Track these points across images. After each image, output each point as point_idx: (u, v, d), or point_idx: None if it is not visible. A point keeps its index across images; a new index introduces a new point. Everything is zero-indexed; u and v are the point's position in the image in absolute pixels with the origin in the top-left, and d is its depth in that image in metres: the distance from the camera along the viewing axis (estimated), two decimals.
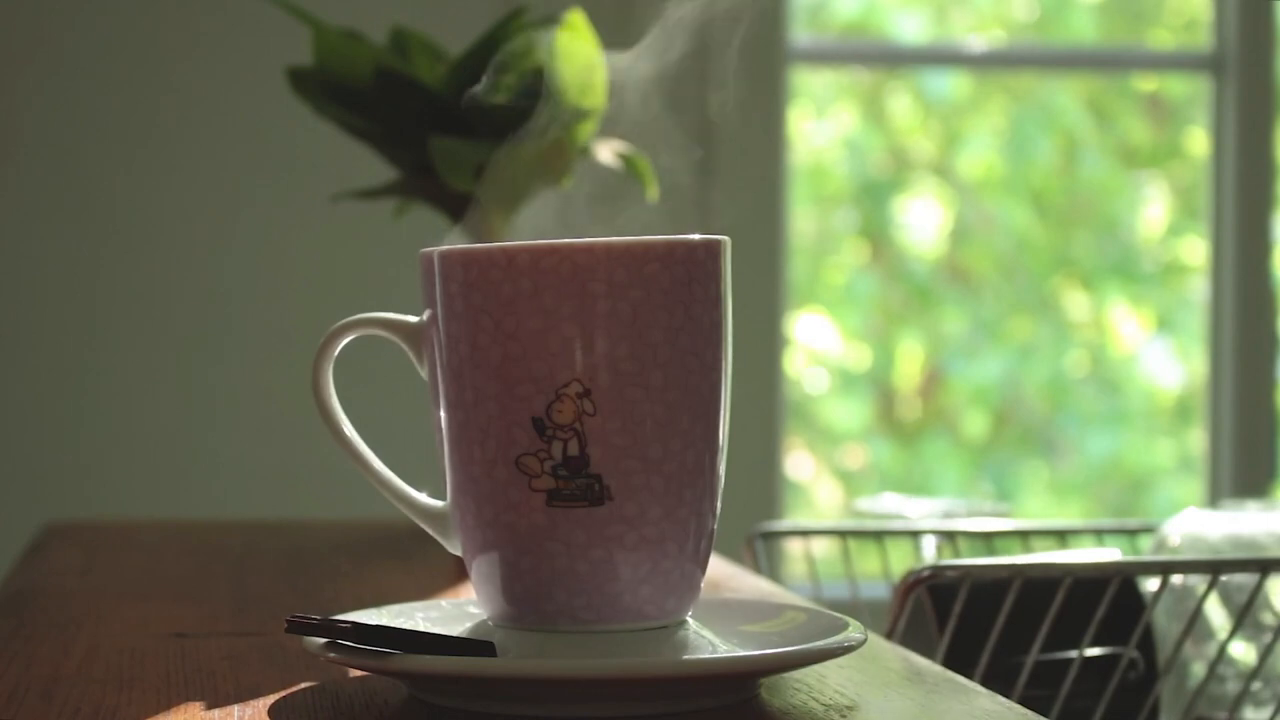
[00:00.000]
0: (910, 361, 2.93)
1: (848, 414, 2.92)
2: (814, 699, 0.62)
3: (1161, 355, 2.88)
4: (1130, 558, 1.03)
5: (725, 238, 0.65)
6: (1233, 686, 0.97)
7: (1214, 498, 2.48)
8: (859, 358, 2.90)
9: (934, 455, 2.92)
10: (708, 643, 0.64)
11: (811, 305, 2.79)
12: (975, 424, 2.92)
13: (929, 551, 1.13)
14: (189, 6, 2.17)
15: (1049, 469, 2.97)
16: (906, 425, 2.94)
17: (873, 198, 2.86)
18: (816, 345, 2.84)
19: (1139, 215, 2.90)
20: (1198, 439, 2.68)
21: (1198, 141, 2.74)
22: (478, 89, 1.02)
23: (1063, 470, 2.96)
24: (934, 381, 2.94)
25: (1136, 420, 2.91)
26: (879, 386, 2.93)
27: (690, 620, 0.65)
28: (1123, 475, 2.93)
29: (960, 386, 2.90)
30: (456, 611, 0.69)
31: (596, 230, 0.69)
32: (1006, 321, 2.87)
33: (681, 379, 0.62)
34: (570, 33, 1.04)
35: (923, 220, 2.85)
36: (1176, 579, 0.96)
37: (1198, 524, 1.02)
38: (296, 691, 0.64)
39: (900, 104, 2.86)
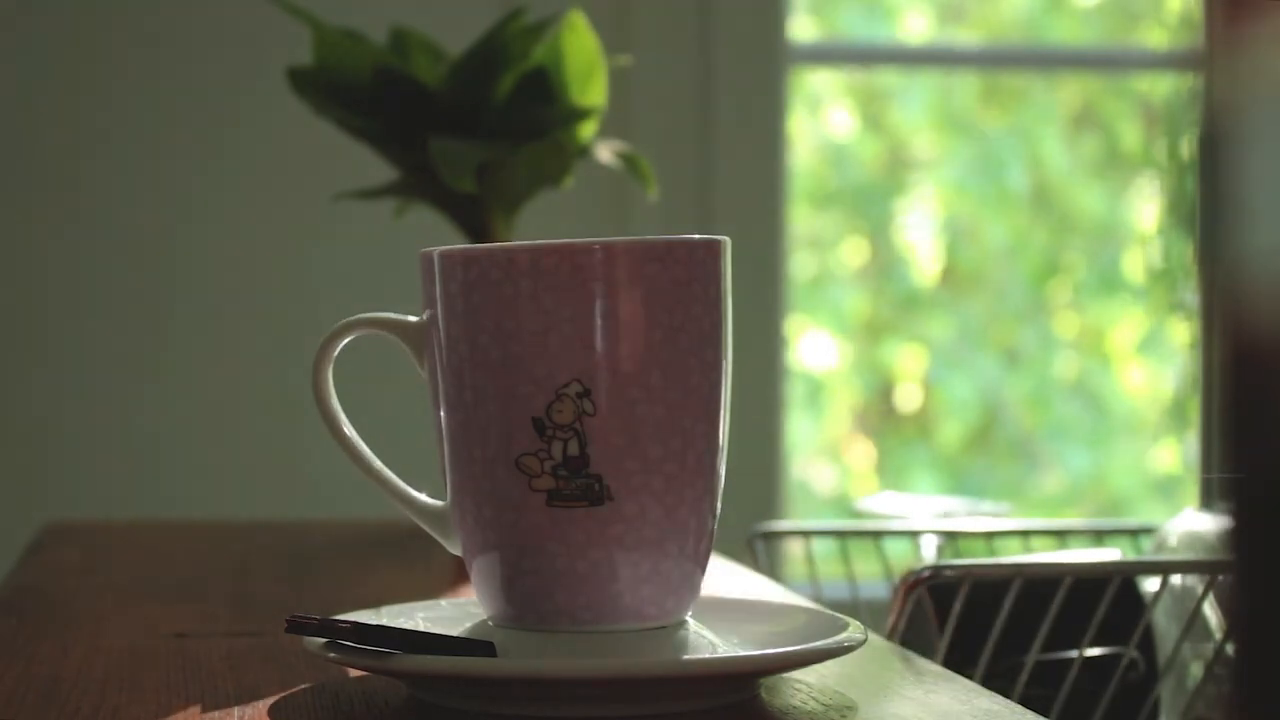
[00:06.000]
0: (899, 370, 2.92)
1: (830, 424, 2.92)
2: (814, 699, 0.62)
3: (1155, 359, 2.88)
4: (1130, 558, 1.03)
5: (725, 238, 0.65)
6: None
7: (1206, 504, 2.47)
8: (844, 366, 2.90)
9: (918, 466, 2.92)
10: (708, 643, 0.64)
11: (801, 312, 2.79)
12: (960, 435, 2.92)
13: (929, 551, 1.13)
14: (189, 6, 2.17)
15: (1034, 482, 2.96)
16: (892, 435, 2.94)
17: (866, 202, 2.86)
18: (804, 353, 2.84)
19: (1132, 218, 2.90)
20: (1192, 443, 2.67)
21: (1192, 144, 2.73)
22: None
23: (1048, 484, 2.96)
24: (921, 390, 2.94)
25: (1126, 429, 2.91)
26: (865, 396, 2.93)
27: (690, 620, 0.65)
28: (1108, 490, 2.93)
29: (946, 396, 2.90)
30: (456, 611, 0.69)
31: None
32: (997, 329, 2.87)
33: (681, 379, 0.62)
34: (570, 33, 1.04)
35: (915, 225, 2.85)
36: (1176, 579, 0.96)
37: (1197, 524, 1.02)
38: (296, 691, 0.64)
39: (897, 106, 2.86)
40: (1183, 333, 2.76)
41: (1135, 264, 2.88)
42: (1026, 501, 2.88)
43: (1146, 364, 2.87)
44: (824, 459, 2.94)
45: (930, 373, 2.91)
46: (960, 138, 2.87)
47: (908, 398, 2.94)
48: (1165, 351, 2.86)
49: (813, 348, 2.86)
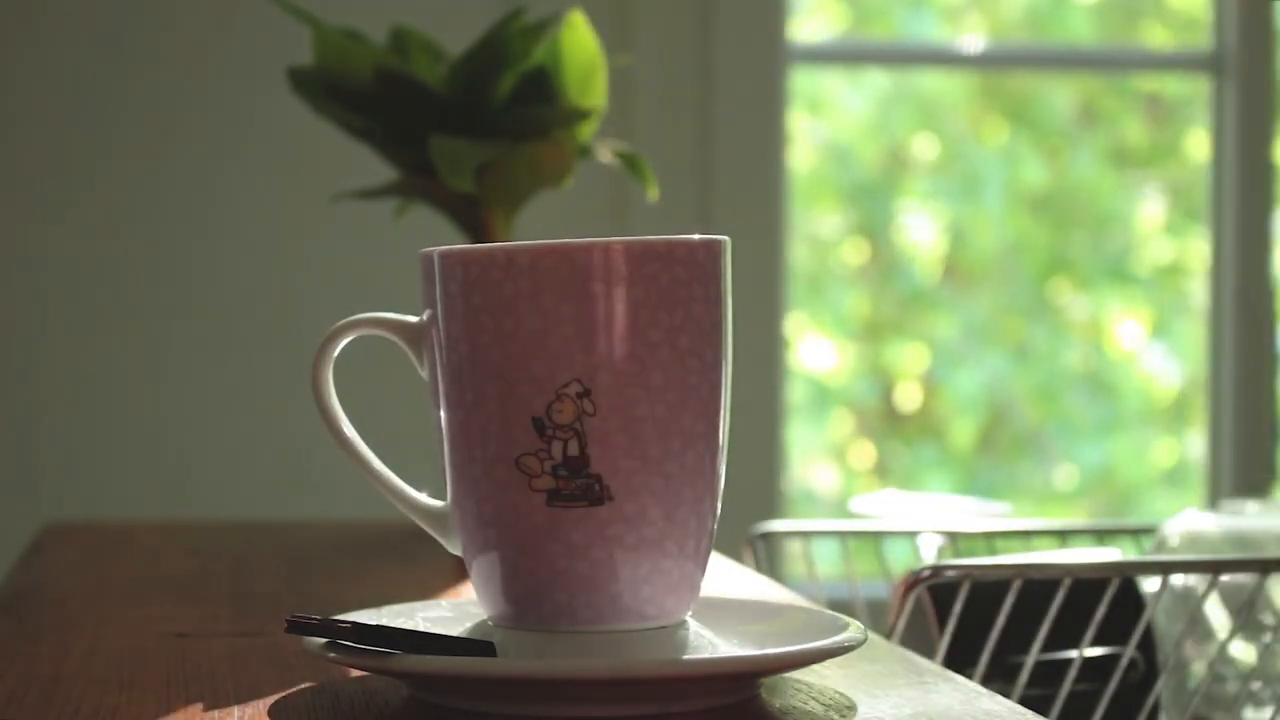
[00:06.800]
0: (903, 368, 2.92)
1: (835, 424, 2.92)
2: (814, 699, 0.62)
3: (1159, 357, 2.88)
4: (1130, 558, 1.03)
5: (725, 238, 0.65)
6: (1233, 686, 0.97)
7: (1213, 500, 2.48)
8: (848, 365, 2.90)
9: (925, 464, 2.92)
10: (708, 643, 0.64)
11: (803, 312, 2.79)
12: (967, 432, 2.92)
13: (929, 551, 1.13)
14: (189, 6, 2.17)
15: (1041, 478, 2.96)
16: (896, 434, 2.94)
17: (868, 200, 2.86)
18: (807, 353, 2.84)
19: (1136, 216, 2.90)
20: (1196, 441, 2.67)
21: (1196, 142, 2.74)
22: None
23: (1055, 479, 2.96)
24: (926, 388, 2.94)
25: (1133, 425, 2.91)
26: (869, 395, 2.93)
27: (690, 620, 0.65)
28: (1116, 483, 2.93)
29: (953, 394, 2.90)
30: (456, 611, 0.69)
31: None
32: (1001, 325, 2.87)
33: (681, 379, 0.62)
34: (570, 33, 1.04)
35: (919, 222, 2.85)
36: (1176, 579, 0.96)
37: (1198, 524, 1.02)
38: (296, 691, 0.64)
39: (898, 105, 2.86)
40: (1191, 328, 2.76)
41: (1141, 259, 2.88)
42: (1036, 497, 2.88)
43: (1154, 358, 2.87)
44: (827, 460, 2.94)
45: (935, 371, 2.91)
46: (961, 135, 2.87)
47: (912, 397, 2.94)
48: (1174, 345, 2.86)
49: (815, 349, 2.86)
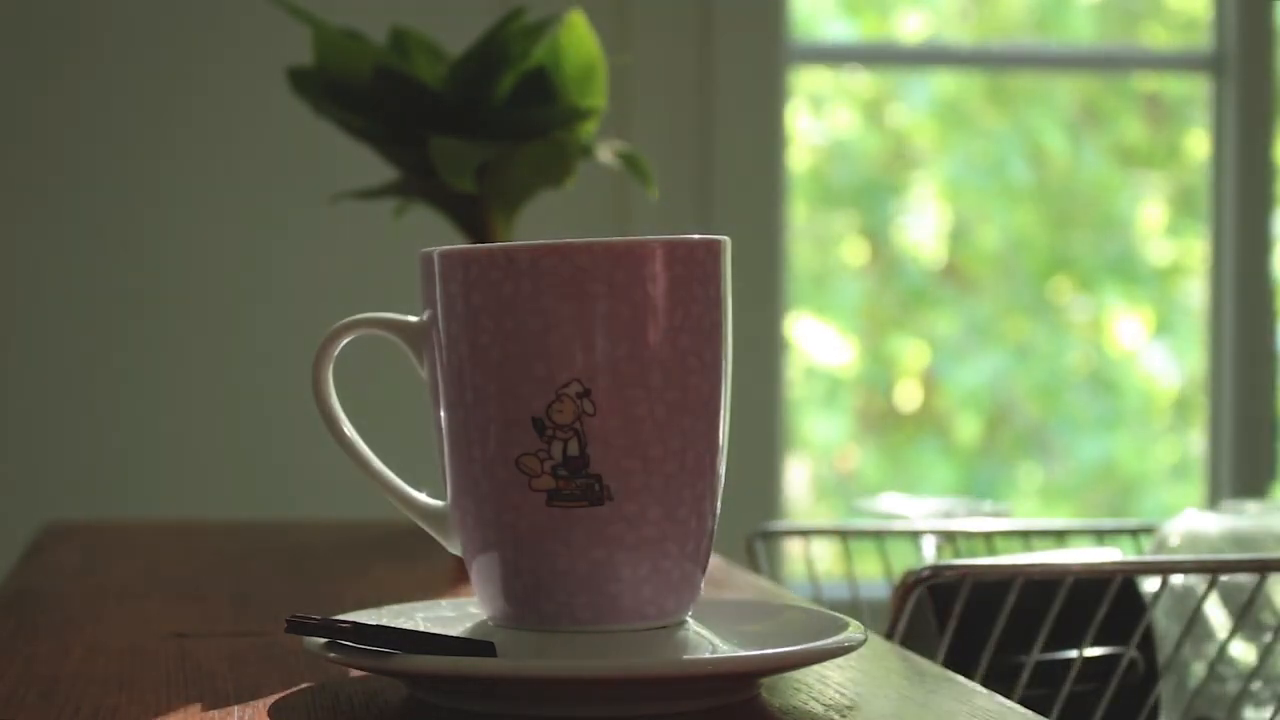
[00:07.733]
0: (905, 364, 2.92)
1: (839, 418, 2.92)
2: (814, 699, 0.63)
3: (1160, 356, 2.88)
4: (1130, 558, 1.03)
5: (725, 238, 0.65)
6: (1233, 686, 0.97)
7: (1213, 499, 2.48)
8: (852, 360, 2.90)
9: (926, 459, 2.92)
10: (708, 643, 0.64)
11: (806, 307, 2.79)
12: (968, 428, 2.92)
13: (929, 551, 1.13)
14: (189, 6, 2.17)
15: (1042, 473, 2.97)
16: (899, 429, 2.94)
17: (870, 198, 2.86)
18: (810, 347, 2.84)
19: (1137, 216, 2.90)
20: (1196, 440, 2.67)
21: (1196, 141, 2.74)
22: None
23: (1056, 474, 2.96)
24: (928, 384, 2.94)
25: (1133, 422, 2.91)
26: (872, 390, 2.93)
27: (690, 620, 0.65)
28: (1117, 479, 2.93)
29: (954, 390, 2.90)
30: (456, 611, 0.69)
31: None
32: (1003, 323, 2.87)
33: (681, 379, 0.62)
34: (570, 33, 1.04)
35: (919, 221, 2.85)
36: (1176, 579, 0.96)
37: (1197, 524, 1.02)
38: (296, 691, 0.64)
39: (899, 104, 2.86)
40: (1191, 328, 2.76)
41: (1142, 259, 2.88)
42: (1038, 494, 2.88)
43: (1154, 357, 2.87)
44: (828, 459, 2.94)
45: (937, 368, 2.91)
46: (962, 134, 2.87)
47: (914, 394, 2.94)
48: (1174, 344, 2.86)
49: (818, 346, 2.86)
